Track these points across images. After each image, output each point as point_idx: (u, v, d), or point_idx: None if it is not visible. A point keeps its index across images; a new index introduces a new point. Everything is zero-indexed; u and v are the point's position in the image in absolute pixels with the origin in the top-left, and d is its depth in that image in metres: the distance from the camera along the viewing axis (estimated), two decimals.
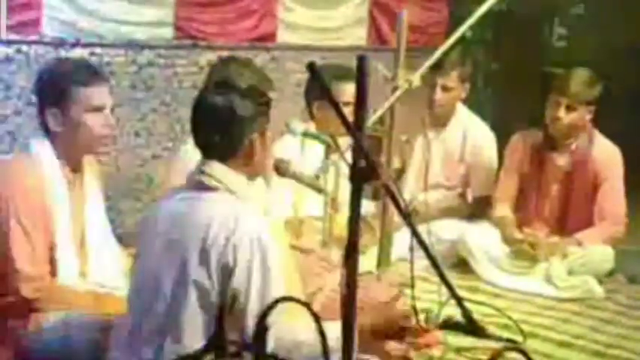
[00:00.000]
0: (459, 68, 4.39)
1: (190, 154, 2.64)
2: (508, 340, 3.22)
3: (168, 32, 4.93)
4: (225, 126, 2.35)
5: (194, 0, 5.04)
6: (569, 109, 4.08)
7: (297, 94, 5.09)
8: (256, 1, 5.37)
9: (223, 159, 2.36)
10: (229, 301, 1.80)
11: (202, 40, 5.05)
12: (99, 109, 2.80)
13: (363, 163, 1.85)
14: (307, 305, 1.77)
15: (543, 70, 6.62)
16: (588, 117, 4.15)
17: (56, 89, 2.76)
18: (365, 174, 1.85)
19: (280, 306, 1.87)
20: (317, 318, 1.74)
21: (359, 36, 6.06)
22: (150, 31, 4.83)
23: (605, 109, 4.18)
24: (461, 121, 4.53)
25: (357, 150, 1.86)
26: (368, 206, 4.04)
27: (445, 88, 4.37)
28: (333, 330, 1.90)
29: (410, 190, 4.42)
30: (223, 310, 1.82)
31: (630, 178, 4.27)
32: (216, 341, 1.70)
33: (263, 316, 1.72)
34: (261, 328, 1.67)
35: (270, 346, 2.20)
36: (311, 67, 1.83)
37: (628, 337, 3.52)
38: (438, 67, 4.18)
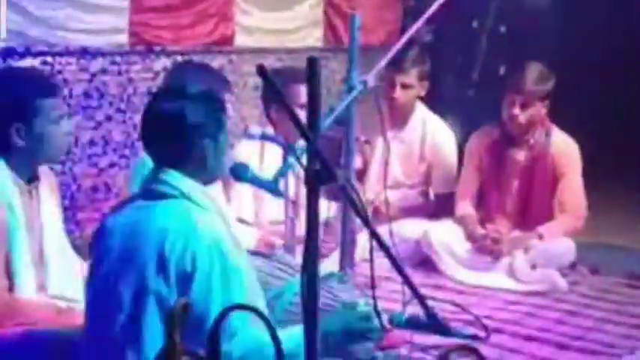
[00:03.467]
0: (419, 66, 4.40)
1: (147, 161, 2.61)
2: (472, 337, 3.22)
3: (123, 39, 4.86)
4: (174, 133, 2.31)
5: (149, 5, 4.98)
6: (524, 106, 4.10)
7: (255, 98, 5.07)
8: (213, 6, 5.33)
9: (176, 166, 2.32)
10: (179, 310, 1.77)
11: (158, 45, 5.00)
12: (60, 118, 2.78)
13: (318, 165, 1.83)
14: (261, 314, 1.74)
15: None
16: (544, 111, 4.18)
17: (17, 104, 2.72)
18: (321, 176, 1.83)
19: (243, 314, 1.84)
20: (271, 327, 1.72)
21: (315, 37, 6.06)
22: (104, 39, 4.77)
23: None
24: (420, 119, 4.54)
25: (312, 152, 1.84)
26: (330, 207, 4.03)
27: (404, 86, 4.38)
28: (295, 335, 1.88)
29: (371, 190, 4.41)
30: (173, 320, 1.78)
31: (589, 171, 4.31)
32: (166, 352, 1.66)
33: (215, 326, 1.69)
34: (213, 338, 1.64)
35: (237, 354, 2.18)
36: (261, 70, 1.81)
37: (593, 328, 3.55)
38: (397, 65, 4.19)
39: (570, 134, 4.28)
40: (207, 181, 2.39)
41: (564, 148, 4.23)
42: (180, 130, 2.31)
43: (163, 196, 2.30)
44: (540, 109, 4.15)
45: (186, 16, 5.20)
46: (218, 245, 2.22)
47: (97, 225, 2.47)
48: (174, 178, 2.31)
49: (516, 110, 4.10)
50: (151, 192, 2.33)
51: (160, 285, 2.20)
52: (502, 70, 5.89)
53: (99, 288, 2.34)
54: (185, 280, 2.20)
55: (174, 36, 5.11)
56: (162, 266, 2.21)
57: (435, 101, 4.69)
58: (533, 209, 4.25)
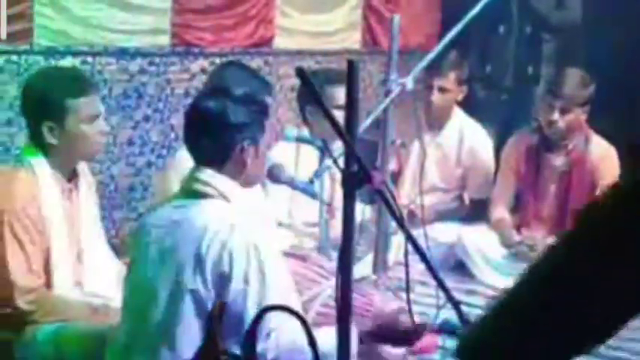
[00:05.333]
0: (457, 70, 4.38)
1: (184, 161, 2.63)
2: None
3: (164, 40, 4.89)
4: (215, 131, 2.33)
5: (190, 7, 5.01)
6: (564, 111, 4.07)
7: (291, 100, 5.08)
8: (253, 8, 5.35)
9: (215, 166, 2.34)
10: (217, 311, 1.79)
11: (199, 47, 5.03)
12: (94, 118, 2.80)
13: (355, 167, 1.84)
14: (297, 314, 1.75)
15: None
16: (583, 117, 4.14)
17: (50, 103, 2.75)
18: (357, 179, 1.84)
19: (281, 314, 1.85)
20: (307, 327, 1.72)
21: (354, 40, 6.05)
22: (145, 39, 4.80)
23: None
24: (457, 123, 4.51)
25: (349, 155, 1.84)
26: (365, 210, 4.02)
27: (442, 90, 4.36)
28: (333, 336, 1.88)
29: (406, 193, 4.40)
30: (214, 321, 1.80)
31: (626, 178, 4.25)
32: (205, 352, 1.67)
33: (253, 326, 1.69)
34: (251, 338, 1.65)
35: (272, 354, 2.18)
36: (300, 72, 1.82)
37: (628, 337, 3.50)
38: (435, 69, 4.18)
39: (607, 140, 4.23)
40: (245, 182, 2.39)
41: (603, 154, 4.18)
42: (221, 129, 2.32)
43: (202, 195, 2.32)
44: (580, 115, 4.11)
45: (227, 18, 5.21)
46: (255, 245, 2.23)
47: (135, 224, 2.50)
48: (214, 178, 2.32)
49: (556, 115, 4.06)
50: (189, 191, 2.35)
51: (197, 284, 2.21)
52: (530, 70, 5.82)
53: (136, 285, 2.36)
54: (222, 280, 2.21)
55: (215, 37, 5.13)
56: (199, 266, 2.22)
57: (469, 107, 4.66)
58: (570, 215, 4.21)
